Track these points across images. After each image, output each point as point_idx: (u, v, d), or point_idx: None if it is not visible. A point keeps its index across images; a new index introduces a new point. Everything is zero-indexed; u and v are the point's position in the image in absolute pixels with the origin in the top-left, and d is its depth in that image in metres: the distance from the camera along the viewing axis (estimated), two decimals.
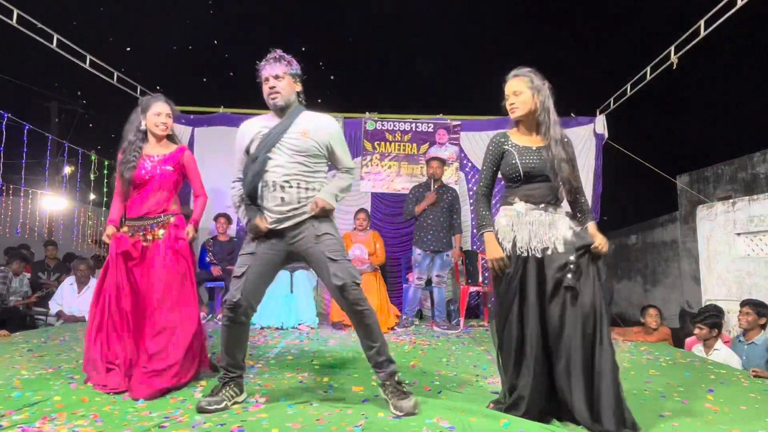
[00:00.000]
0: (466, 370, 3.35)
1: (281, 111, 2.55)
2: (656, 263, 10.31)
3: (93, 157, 7.87)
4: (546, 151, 2.35)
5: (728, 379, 3.17)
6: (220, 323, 5.47)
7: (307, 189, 2.49)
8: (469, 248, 6.61)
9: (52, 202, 9.81)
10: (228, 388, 2.44)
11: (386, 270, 6.15)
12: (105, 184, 7.51)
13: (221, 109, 7.13)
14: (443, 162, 5.72)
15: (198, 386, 2.76)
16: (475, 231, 6.93)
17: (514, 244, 2.32)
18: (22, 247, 7.46)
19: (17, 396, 2.46)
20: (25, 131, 6.34)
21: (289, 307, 5.35)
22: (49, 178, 8.67)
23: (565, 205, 2.45)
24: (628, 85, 6.36)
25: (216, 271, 5.86)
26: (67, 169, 9.89)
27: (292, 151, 2.48)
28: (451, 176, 6.80)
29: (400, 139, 7.02)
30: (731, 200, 5.19)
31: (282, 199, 2.45)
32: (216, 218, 6.19)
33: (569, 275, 2.21)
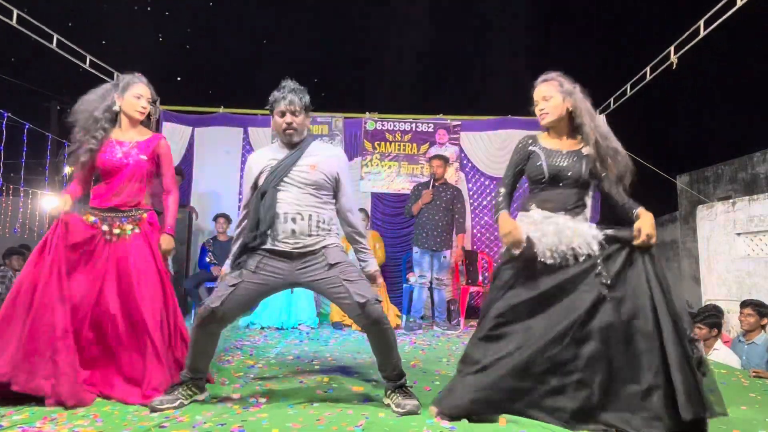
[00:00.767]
0: None
1: (291, 144, 2.53)
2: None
3: None
4: (577, 155, 2.28)
5: (728, 379, 3.17)
6: None
7: (318, 221, 2.46)
8: (469, 248, 6.62)
9: (52, 202, 9.80)
10: (185, 388, 2.40)
11: (386, 270, 6.15)
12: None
13: (221, 109, 7.13)
14: (445, 160, 5.66)
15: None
16: (475, 231, 6.94)
17: (530, 245, 2.22)
18: (22, 247, 7.45)
19: None
20: (25, 131, 6.35)
21: (289, 307, 5.34)
22: (49, 178, 8.67)
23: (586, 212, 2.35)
24: (628, 85, 6.36)
25: (216, 271, 5.86)
26: (67, 169, 9.88)
27: (302, 184, 2.46)
28: (451, 176, 6.80)
29: (400, 139, 7.02)
30: (731, 200, 5.19)
31: (293, 231, 2.41)
32: (216, 218, 6.19)
33: (602, 282, 2.10)
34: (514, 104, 7.26)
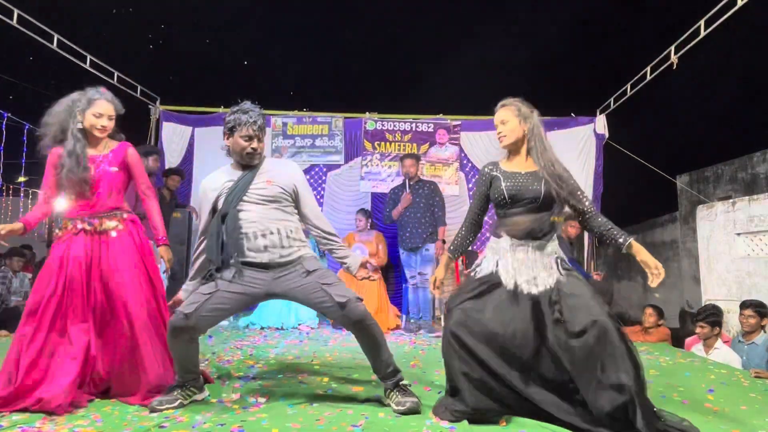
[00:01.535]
0: None
1: (246, 165, 2.53)
2: None
3: None
4: (534, 176, 2.36)
5: (728, 379, 3.17)
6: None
7: (287, 233, 2.46)
8: (469, 248, 6.61)
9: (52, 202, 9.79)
10: (183, 389, 2.41)
11: (386, 270, 6.15)
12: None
13: (221, 109, 7.13)
14: (417, 158, 5.69)
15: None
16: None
17: (495, 272, 2.35)
18: (24, 247, 7.45)
19: None
20: (25, 131, 6.35)
21: (289, 307, 5.35)
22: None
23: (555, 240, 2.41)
24: (628, 85, 6.36)
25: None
26: None
27: (263, 201, 2.46)
28: (451, 176, 6.81)
29: (400, 139, 7.02)
30: (731, 200, 5.19)
31: (265, 246, 2.41)
32: None
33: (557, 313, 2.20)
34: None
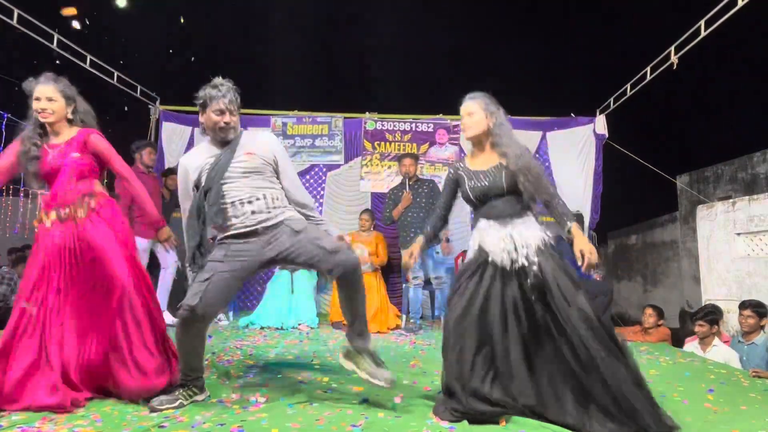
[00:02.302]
0: None
1: (223, 141, 2.53)
2: (656, 263, 10.31)
3: None
4: (498, 169, 2.39)
5: (728, 379, 3.17)
6: (219, 323, 5.47)
7: (273, 198, 2.48)
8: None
9: None
10: (185, 389, 2.41)
11: (386, 270, 6.14)
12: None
13: None
14: (416, 158, 5.66)
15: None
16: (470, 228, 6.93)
17: (480, 249, 2.38)
18: (26, 247, 7.46)
19: None
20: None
21: (289, 307, 5.35)
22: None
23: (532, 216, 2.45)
24: (628, 85, 6.35)
25: None
26: None
27: (245, 173, 2.47)
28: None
29: (400, 139, 7.02)
30: (731, 200, 5.19)
31: (252, 211, 2.43)
32: None
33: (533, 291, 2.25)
34: (514, 104, 7.26)
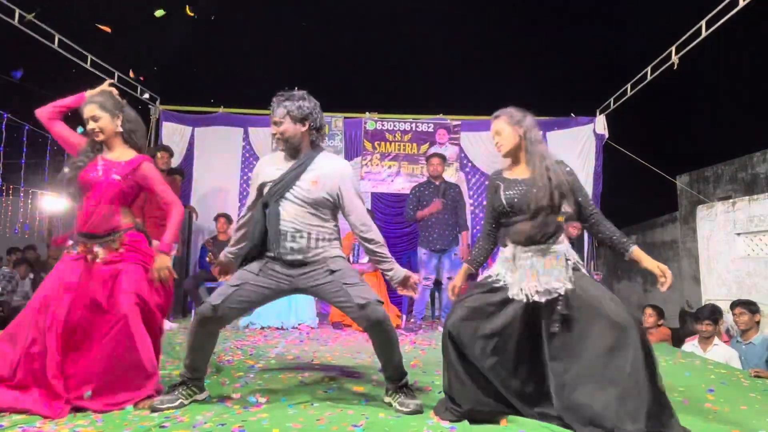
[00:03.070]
0: None
1: (291, 153, 2.52)
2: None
3: None
4: (533, 182, 2.33)
5: (728, 379, 3.17)
6: None
7: (317, 239, 2.46)
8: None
9: (52, 202, 9.82)
10: (185, 387, 2.41)
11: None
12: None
13: (221, 109, 7.13)
14: (444, 158, 5.62)
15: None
16: (475, 231, 6.93)
17: (500, 279, 2.34)
18: (28, 248, 7.49)
19: None
20: (25, 131, 6.35)
21: (289, 307, 5.35)
22: (48, 178, 8.67)
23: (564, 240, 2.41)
24: (629, 86, 6.36)
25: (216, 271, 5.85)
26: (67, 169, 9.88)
27: (302, 202, 2.45)
28: (451, 176, 6.80)
29: (400, 139, 7.02)
30: (731, 200, 5.19)
31: (292, 248, 2.43)
32: (216, 218, 6.19)
33: (555, 324, 2.21)
34: (514, 104, 7.26)
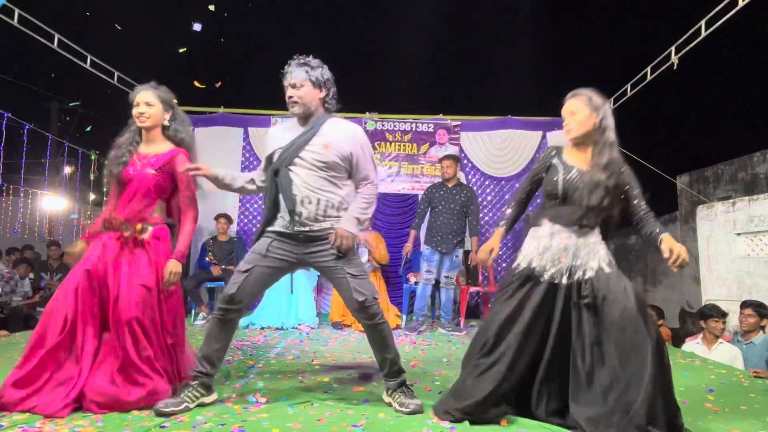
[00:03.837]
0: None
1: (303, 119, 2.50)
2: (656, 263, 10.30)
3: (93, 157, 7.88)
4: (594, 176, 2.21)
5: (728, 379, 3.17)
6: None
7: (327, 206, 2.43)
8: (470, 248, 6.62)
9: (52, 202, 9.82)
10: (192, 389, 2.36)
11: (386, 270, 6.15)
12: (105, 184, 7.52)
13: (221, 109, 7.14)
14: (456, 159, 5.51)
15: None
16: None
17: (530, 265, 2.26)
18: (26, 247, 7.49)
19: None
20: (25, 131, 6.35)
21: (289, 307, 5.35)
22: (49, 178, 8.68)
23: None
24: (629, 86, 6.36)
25: (216, 271, 5.86)
26: (67, 169, 9.90)
27: (313, 166, 2.42)
28: None
29: (400, 139, 7.02)
30: (731, 200, 5.19)
31: (300, 214, 2.40)
32: (216, 218, 6.19)
33: (584, 299, 2.16)
34: (514, 104, 7.26)
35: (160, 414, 2.22)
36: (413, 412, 2.29)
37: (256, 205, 6.99)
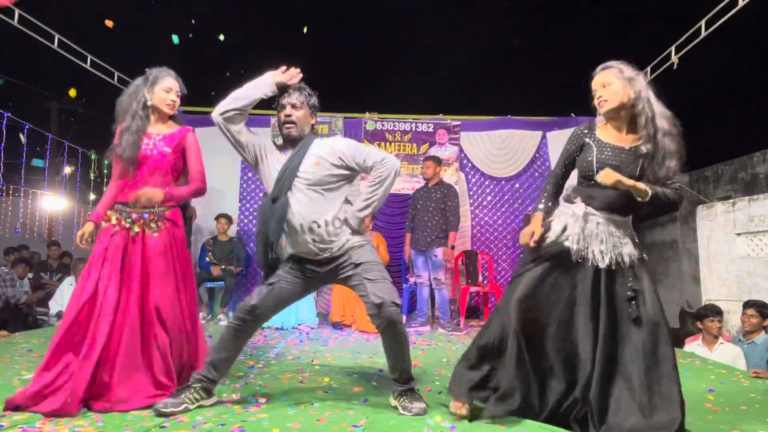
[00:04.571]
0: None
1: (293, 142, 2.51)
2: (656, 263, 10.31)
3: (93, 157, 7.88)
4: (631, 153, 2.10)
5: (728, 379, 3.17)
6: (219, 323, 5.47)
7: (333, 220, 2.44)
8: (469, 248, 6.62)
9: (52, 202, 9.82)
10: (193, 391, 2.36)
11: (386, 270, 6.15)
12: (105, 184, 7.52)
13: None
14: (436, 161, 5.59)
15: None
16: (475, 231, 6.93)
17: (562, 240, 2.15)
18: (21, 247, 7.49)
19: None
20: (25, 131, 6.35)
21: (289, 307, 5.33)
22: (48, 178, 8.68)
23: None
24: None
25: (216, 271, 5.86)
26: (67, 169, 9.91)
27: (307, 186, 2.42)
28: (451, 176, 6.80)
29: (400, 139, 7.02)
30: (731, 200, 5.19)
31: (313, 240, 2.42)
32: (216, 218, 6.19)
33: (633, 304, 2.06)
34: (514, 104, 7.26)
35: (160, 414, 2.23)
36: (416, 416, 2.28)
37: (256, 206, 6.99)
